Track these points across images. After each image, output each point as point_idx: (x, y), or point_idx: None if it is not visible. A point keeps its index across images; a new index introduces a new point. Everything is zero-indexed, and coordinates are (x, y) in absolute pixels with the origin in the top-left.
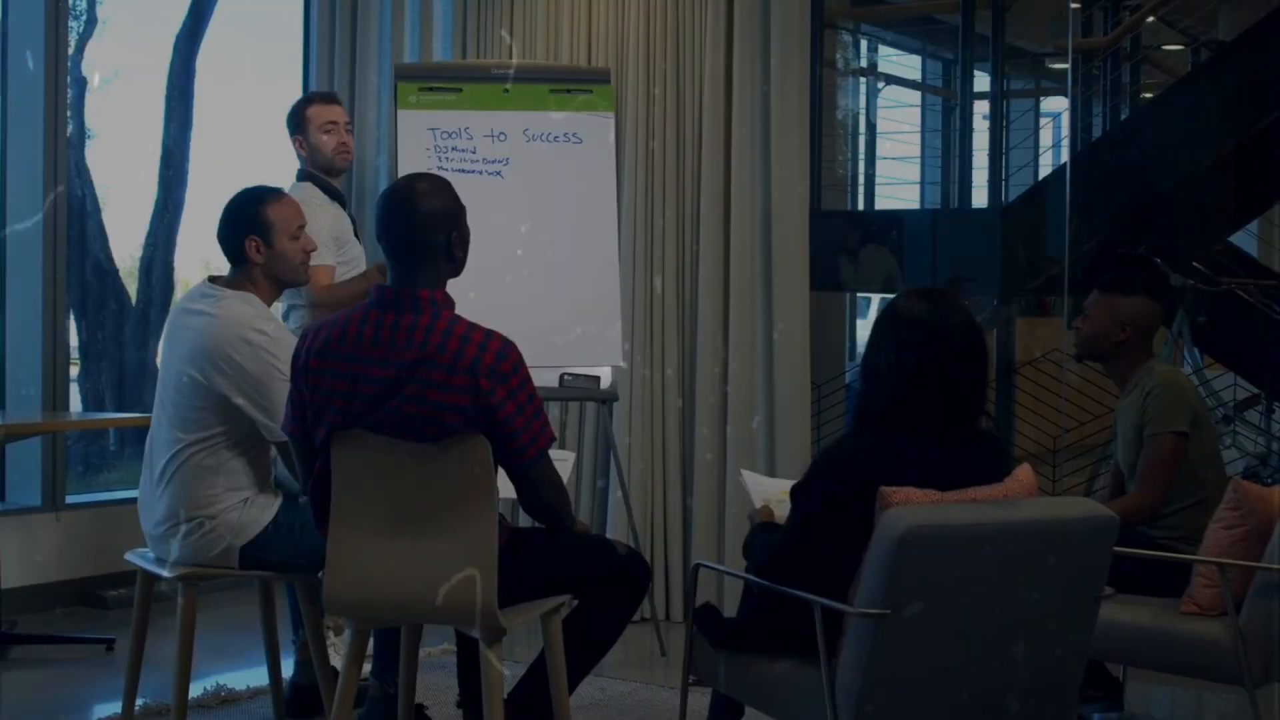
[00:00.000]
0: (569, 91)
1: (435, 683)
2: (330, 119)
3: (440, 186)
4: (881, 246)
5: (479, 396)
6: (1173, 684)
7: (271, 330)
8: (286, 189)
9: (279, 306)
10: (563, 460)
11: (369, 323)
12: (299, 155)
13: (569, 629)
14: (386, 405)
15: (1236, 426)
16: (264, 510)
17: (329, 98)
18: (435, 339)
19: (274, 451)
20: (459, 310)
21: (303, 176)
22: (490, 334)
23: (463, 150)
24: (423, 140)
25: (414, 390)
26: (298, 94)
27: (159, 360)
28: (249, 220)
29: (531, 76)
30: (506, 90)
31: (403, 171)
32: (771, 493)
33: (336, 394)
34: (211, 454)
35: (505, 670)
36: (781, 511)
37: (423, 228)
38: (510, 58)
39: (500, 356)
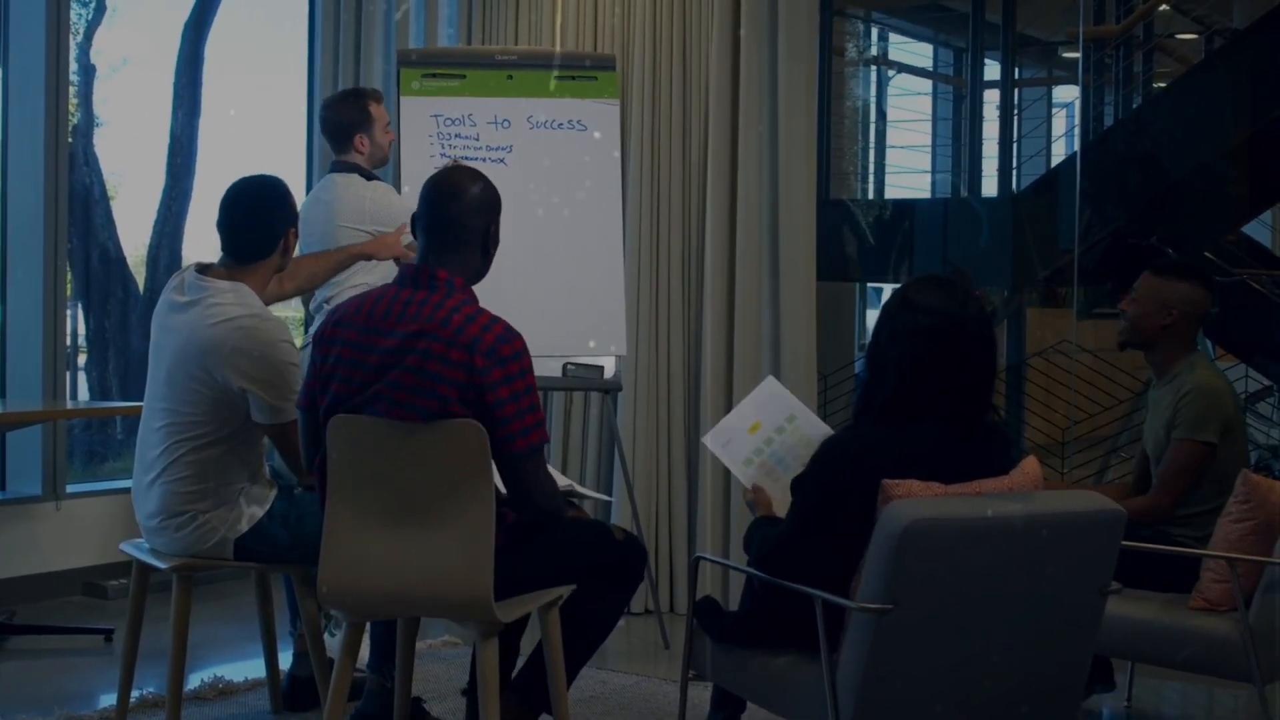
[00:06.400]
0: (574, 78)
1: (434, 674)
2: (388, 120)
3: (486, 180)
4: (891, 236)
5: (474, 374)
6: (1181, 680)
7: (265, 315)
8: (335, 180)
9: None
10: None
11: (385, 298)
12: (356, 150)
13: (568, 616)
14: (386, 375)
15: (1247, 419)
16: (258, 503)
17: (380, 95)
18: (441, 314)
19: (268, 442)
20: None
21: (345, 168)
22: (496, 320)
23: (466, 137)
24: (426, 127)
25: (413, 360)
26: (304, 81)
27: (150, 351)
28: (294, 212)
29: (536, 63)
30: (510, 77)
31: (406, 159)
32: (743, 443)
33: (343, 362)
34: (203, 448)
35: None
36: (766, 478)
37: (465, 211)
38: (514, 44)
39: (501, 340)
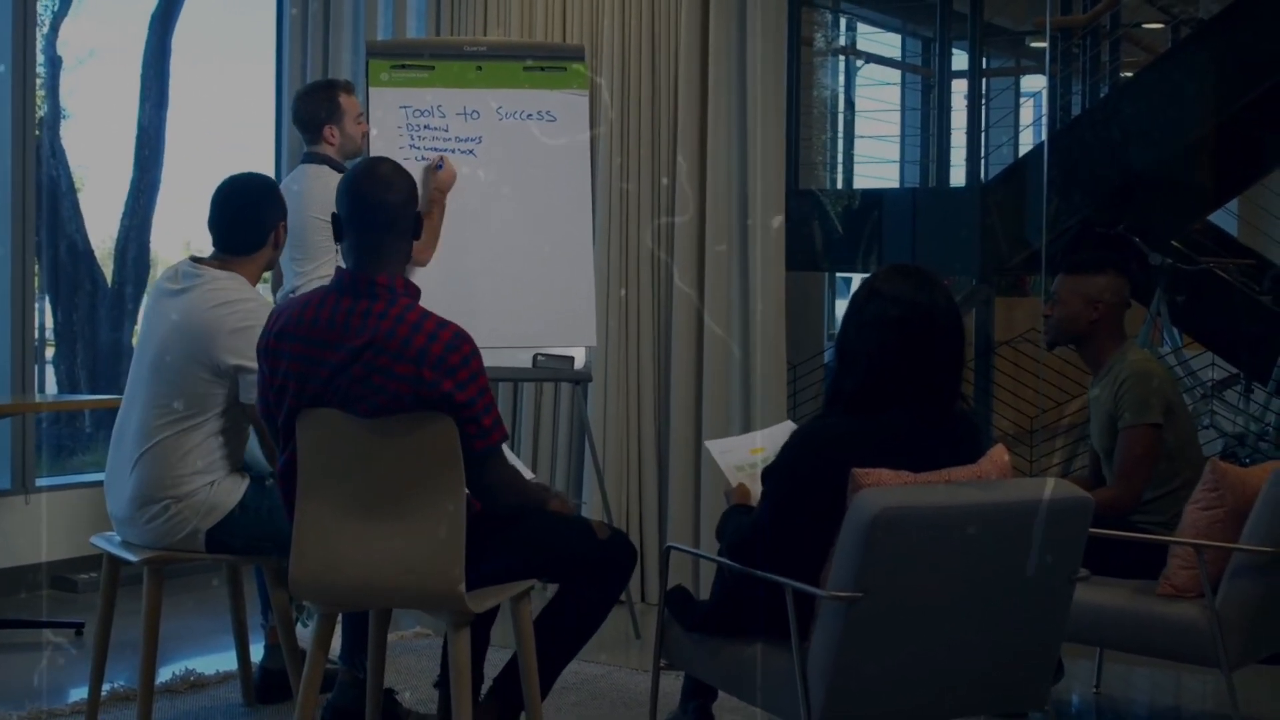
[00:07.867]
0: (542, 69)
1: (406, 666)
2: (359, 111)
3: (401, 169)
4: (860, 225)
5: (422, 387)
6: (1150, 666)
7: (260, 300)
8: (306, 170)
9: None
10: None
11: (326, 306)
12: (326, 142)
13: (548, 615)
14: (334, 385)
15: (1214, 406)
16: (230, 493)
17: (352, 87)
18: (386, 325)
19: (251, 429)
20: (432, 288)
21: (315, 159)
22: (444, 324)
23: (435, 129)
24: (395, 119)
25: (359, 372)
26: (272, 73)
27: (136, 341)
28: (283, 206)
29: (505, 54)
30: (479, 68)
31: (376, 150)
32: (741, 455)
33: (291, 376)
34: (187, 434)
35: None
36: (755, 486)
37: (399, 203)
38: (483, 35)
39: (450, 348)
